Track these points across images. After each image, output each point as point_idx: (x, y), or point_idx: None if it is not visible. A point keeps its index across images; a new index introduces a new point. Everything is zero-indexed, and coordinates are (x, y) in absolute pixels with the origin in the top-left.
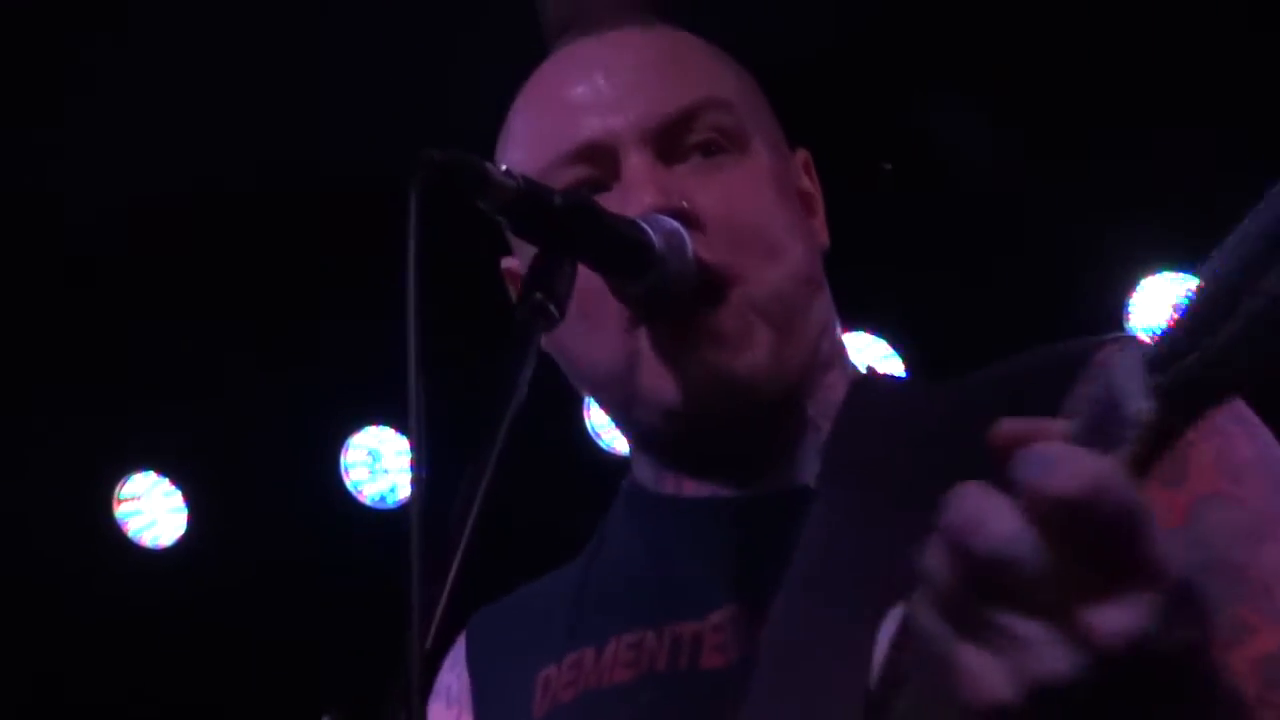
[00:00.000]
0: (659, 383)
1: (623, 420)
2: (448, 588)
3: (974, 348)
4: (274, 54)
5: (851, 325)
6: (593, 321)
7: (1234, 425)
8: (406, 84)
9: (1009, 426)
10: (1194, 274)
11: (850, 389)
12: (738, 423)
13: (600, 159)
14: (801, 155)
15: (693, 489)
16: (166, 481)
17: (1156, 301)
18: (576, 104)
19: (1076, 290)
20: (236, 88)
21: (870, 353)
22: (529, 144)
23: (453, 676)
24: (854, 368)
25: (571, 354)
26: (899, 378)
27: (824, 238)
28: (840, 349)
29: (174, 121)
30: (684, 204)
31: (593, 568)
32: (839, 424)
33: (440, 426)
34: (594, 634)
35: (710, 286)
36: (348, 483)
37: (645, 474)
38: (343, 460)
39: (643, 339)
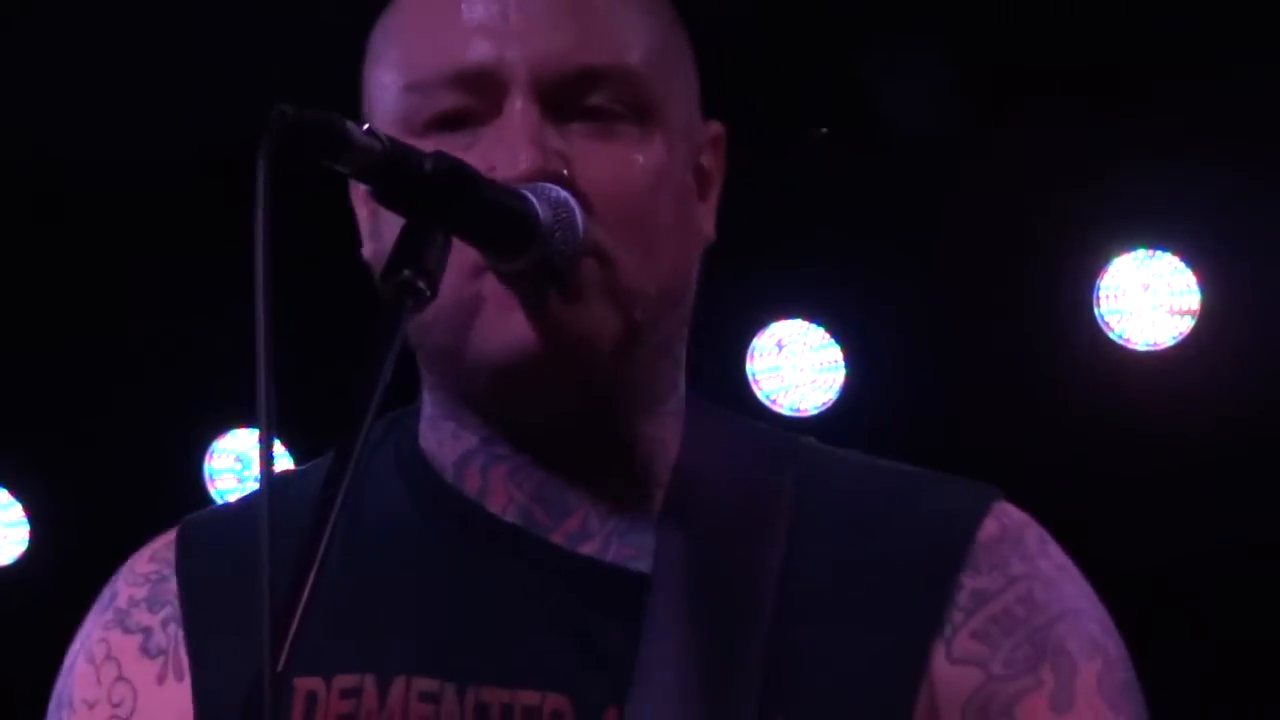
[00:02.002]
0: (493, 329)
1: (446, 373)
2: (303, 601)
3: (924, 341)
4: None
5: (785, 313)
6: None
7: (1105, 639)
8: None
9: None
10: (1167, 252)
11: (682, 451)
12: (562, 397)
13: (484, 90)
14: (713, 128)
15: (500, 504)
16: (4, 492)
17: (1127, 282)
18: (473, 20)
19: (1040, 271)
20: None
21: (806, 342)
22: (406, 51)
23: (153, 618)
24: (684, 408)
25: None
26: (735, 424)
27: (709, 228)
28: (678, 390)
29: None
30: (564, 171)
31: (356, 542)
32: (671, 502)
33: (308, 421)
34: (372, 658)
35: None
36: (212, 491)
37: (439, 454)
38: (206, 466)
39: (487, 283)
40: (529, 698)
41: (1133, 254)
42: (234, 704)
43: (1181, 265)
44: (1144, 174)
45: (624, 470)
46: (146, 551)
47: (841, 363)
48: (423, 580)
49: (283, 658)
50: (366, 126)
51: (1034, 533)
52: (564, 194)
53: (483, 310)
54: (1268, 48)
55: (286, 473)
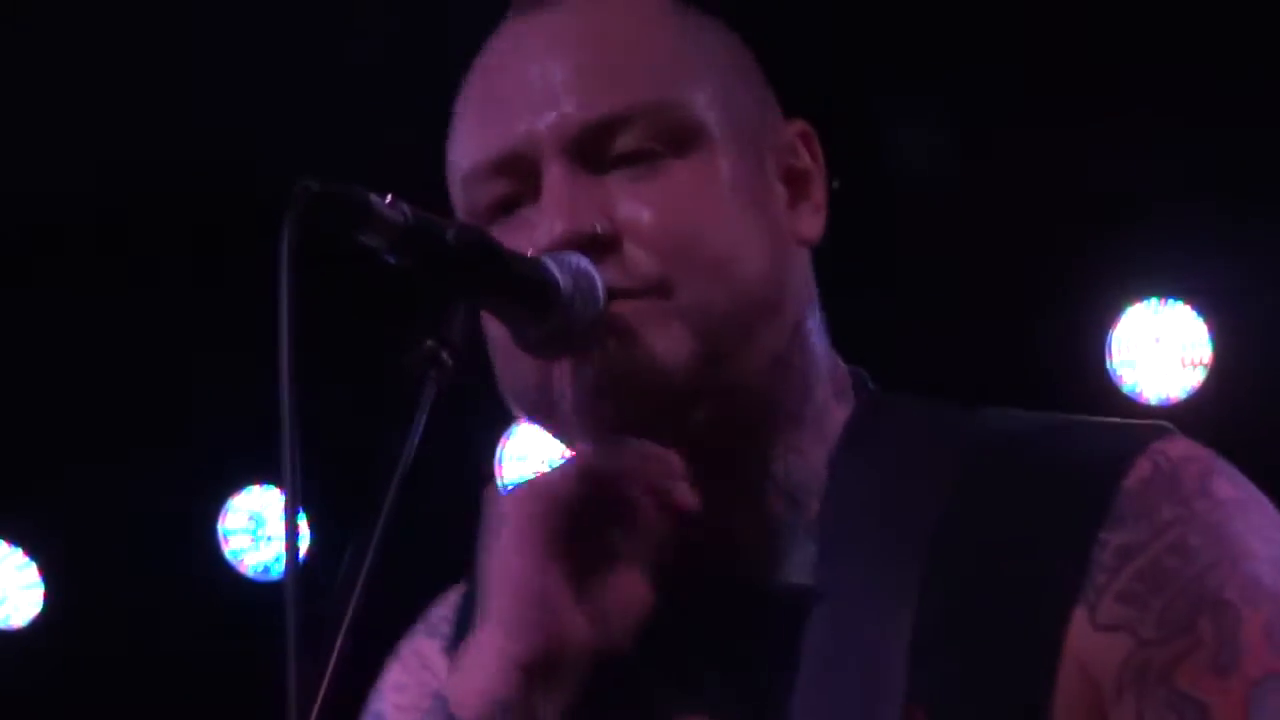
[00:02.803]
0: (576, 409)
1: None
2: (331, 667)
3: (938, 387)
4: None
5: None
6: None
7: (1277, 580)
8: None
9: None
10: (1180, 302)
11: (839, 453)
12: (665, 431)
13: (523, 171)
14: (797, 127)
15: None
16: (19, 553)
17: (1140, 334)
18: (503, 101)
19: (1053, 320)
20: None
21: None
22: (456, 144)
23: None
24: (831, 411)
25: (499, 377)
26: (906, 413)
27: (810, 229)
28: (814, 396)
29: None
30: (597, 228)
31: None
32: (828, 509)
33: (328, 487)
34: (669, 700)
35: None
36: (226, 551)
37: None
38: (220, 526)
39: (560, 364)
40: None
41: (1145, 304)
42: None
43: (1195, 315)
44: (1157, 224)
45: (772, 488)
46: (441, 598)
47: None
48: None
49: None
50: (389, 198)
51: (1196, 468)
52: (584, 262)
53: (564, 395)
54: None
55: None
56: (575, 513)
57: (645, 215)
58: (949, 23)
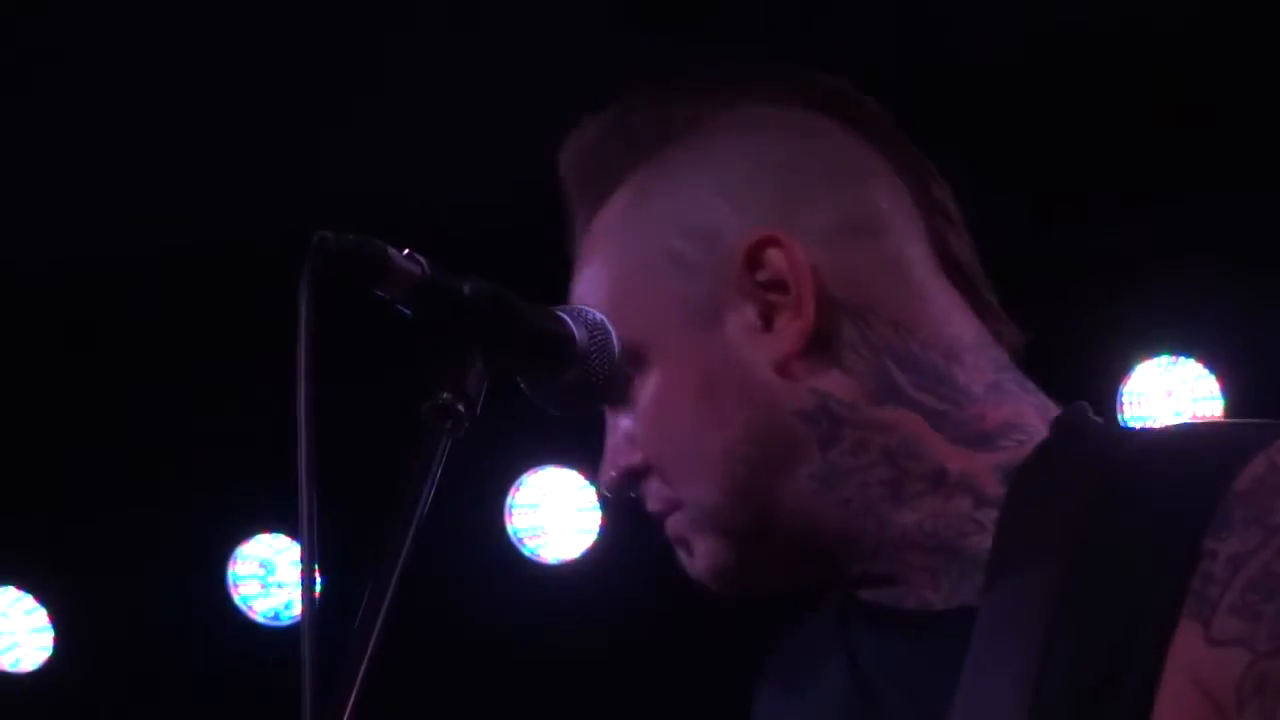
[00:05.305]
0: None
1: None
2: (348, 712)
3: None
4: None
5: None
6: None
7: None
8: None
9: None
10: (1190, 358)
11: (1011, 486)
12: (777, 588)
13: None
14: (754, 237)
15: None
16: (29, 598)
17: (1150, 389)
18: None
19: (1060, 378)
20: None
21: None
22: None
23: None
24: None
25: None
26: (1101, 436)
27: (792, 340)
28: (925, 462)
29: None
30: (626, 463)
31: None
32: (1004, 533)
33: (341, 537)
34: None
35: None
36: (236, 598)
37: None
38: (230, 572)
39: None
40: None
41: (1156, 360)
42: None
43: (1205, 371)
44: (1167, 280)
45: (917, 544)
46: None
47: None
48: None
49: None
50: (407, 251)
51: None
52: (599, 316)
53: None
54: None
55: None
56: None
57: (634, 436)
58: (963, 87)
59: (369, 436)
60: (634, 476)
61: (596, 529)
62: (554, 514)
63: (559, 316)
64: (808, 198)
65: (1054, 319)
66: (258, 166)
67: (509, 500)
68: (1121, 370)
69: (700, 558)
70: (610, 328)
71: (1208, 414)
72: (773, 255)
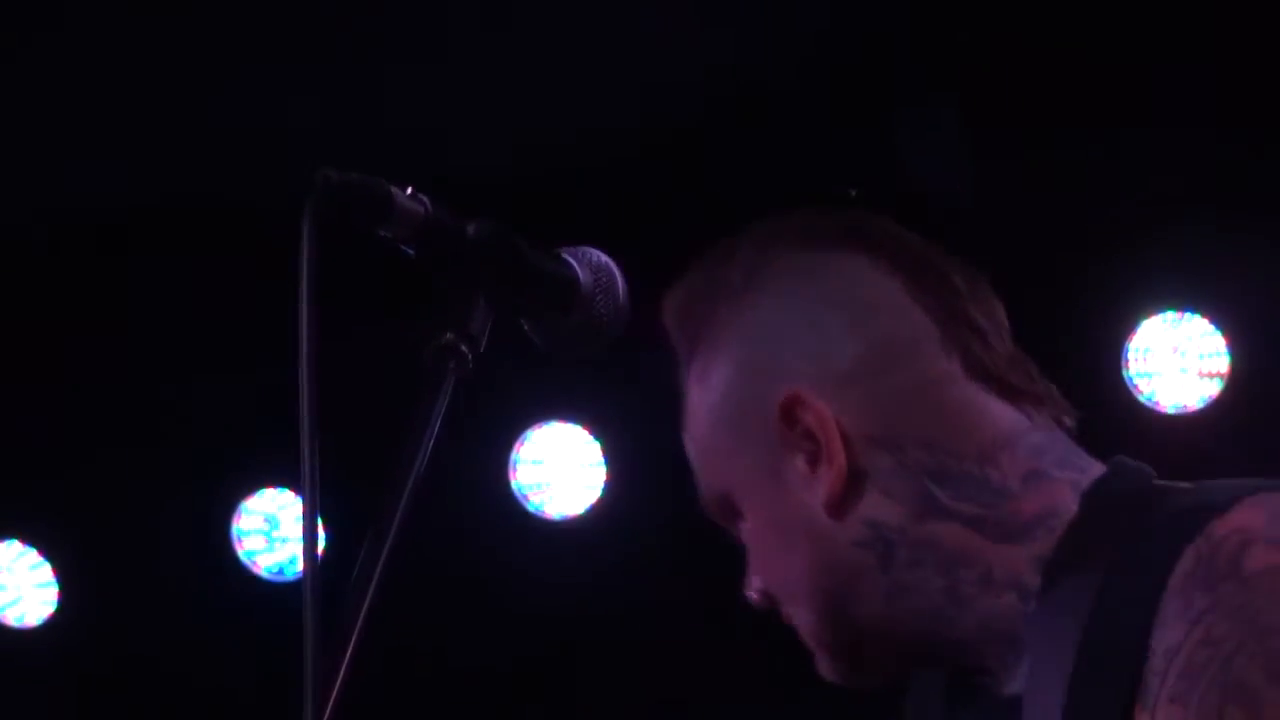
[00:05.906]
0: None
1: None
2: (345, 664)
3: None
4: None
5: None
6: None
7: None
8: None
9: None
10: (1197, 314)
11: (1045, 576)
12: (894, 680)
13: None
14: (782, 397)
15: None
16: (34, 553)
17: (1157, 345)
18: None
19: (1066, 333)
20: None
21: None
22: None
23: None
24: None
25: None
26: (1117, 517)
27: (833, 485)
28: (975, 565)
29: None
30: (753, 591)
31: None
32: (1031, 630)
33: (343, 487)
34: None
35: None
36: (240, 553)
37: None
38: (234, 528)
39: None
40: None
41: (1162, 316)
42: None
43: (1211, 328)
44: (1173, 237)
45: (978, 636)
46: None
47: None
48: None
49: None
50: (410, 190)
51: (1233, 543)
52: (604, 258)
53: None
54: None
55: None
56: None
57: (754, 575)
58: (966, 40)
59: (377, 385)
60: (767, 600)
61: (601, 485)
62: (558, 470)
63: (563, 259)
64: (832, 347)
65: (1059, 276)
66: (255, 125)
67: (513, 455)
68: (1127, 326)
69: (820, 667)
70: (615, 271)
71: (1214, 370)
72: (800, 412)
